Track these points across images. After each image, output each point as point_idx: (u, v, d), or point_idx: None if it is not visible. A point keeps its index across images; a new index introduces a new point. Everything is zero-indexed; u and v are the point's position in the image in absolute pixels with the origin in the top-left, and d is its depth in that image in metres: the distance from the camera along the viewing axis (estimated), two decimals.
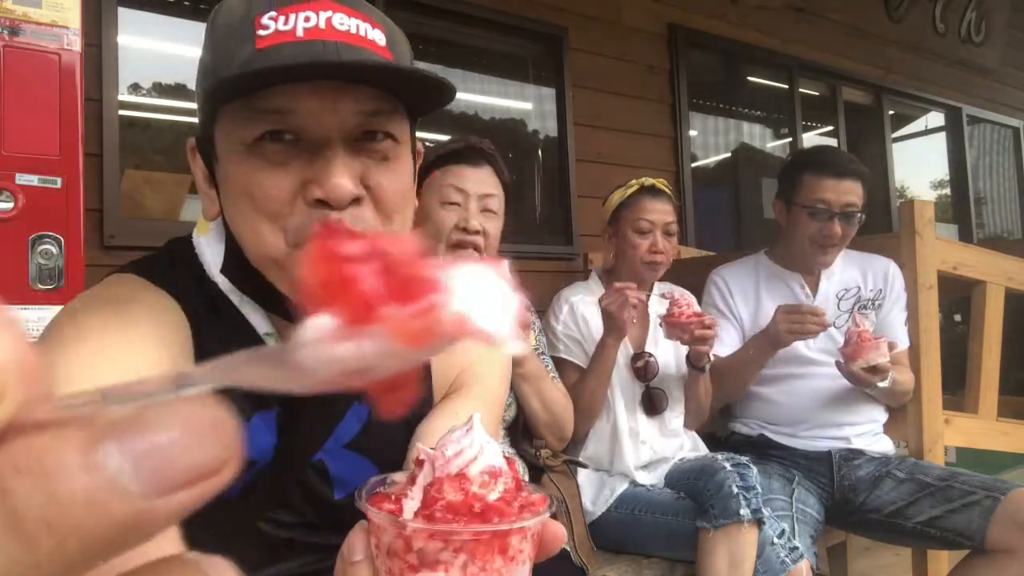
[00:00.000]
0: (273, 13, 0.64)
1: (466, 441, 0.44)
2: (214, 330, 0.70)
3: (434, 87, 0.68)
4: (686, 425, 2.00)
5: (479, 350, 0.83)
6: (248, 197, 0.65)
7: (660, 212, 1.95)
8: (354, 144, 0.67)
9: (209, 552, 0.48)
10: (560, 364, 1.91)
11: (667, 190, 2.02)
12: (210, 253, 0.74)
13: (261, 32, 0.64)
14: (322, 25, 0.64)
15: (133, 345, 0.62)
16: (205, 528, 0.66)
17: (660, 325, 1.86)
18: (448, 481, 0.43)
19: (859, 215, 1.98)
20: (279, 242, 0.65)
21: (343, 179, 0.63)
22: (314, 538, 0.78)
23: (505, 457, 0.45)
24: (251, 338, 0.72)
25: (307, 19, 0.64)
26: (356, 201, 0.66)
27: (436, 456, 0.44)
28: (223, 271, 0.73)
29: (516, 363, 1.49)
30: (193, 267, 0.74)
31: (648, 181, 2.01)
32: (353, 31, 0.65)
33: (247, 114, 0.64)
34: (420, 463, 0.44)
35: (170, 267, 0.75)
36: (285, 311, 0.70)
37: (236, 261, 0.71)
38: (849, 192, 1.96)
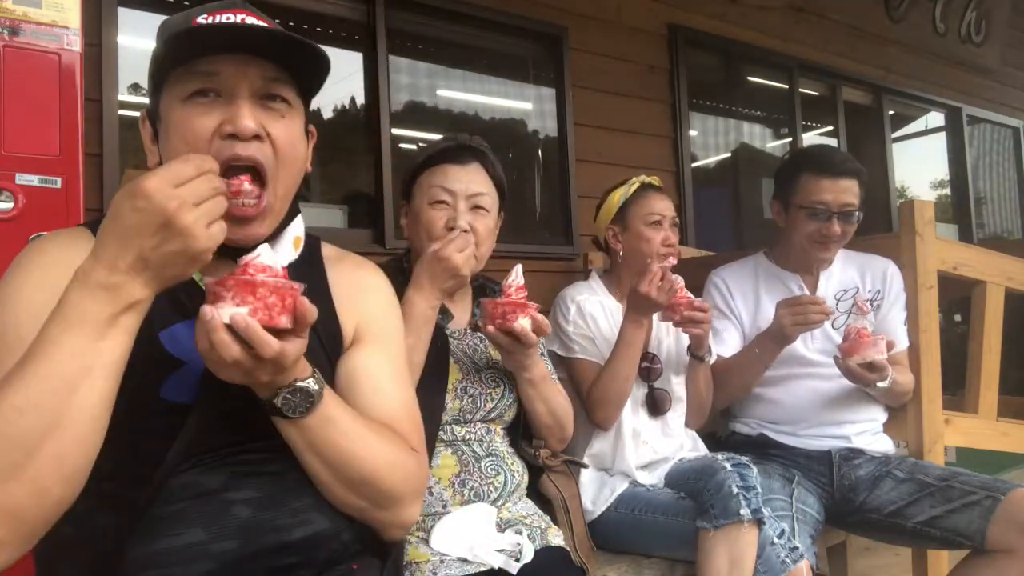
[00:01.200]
0: (205, 15, 0.94)
1: (253, 252, 0.82)
2: None
3: (314, 59, 0.95)
4: (687, 424, 2.00)
5: (373, 306, 1.09)
6: (180, 137, 0.91)
7: (666, 207, 1.99)
8: (259, 101, 0.94)
9: (181, 459, 0.92)
10: (577, 364, 1.90)
11: (661, 188, 2.06)
12: None
13: (195, 27, 0.92)
14: (237, 21, 0.94)
15: (39, 270, 0.91)
16: (173, 436, 0.89)
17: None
18: (239, 269, 0.81)
19: (857, 214, 1.98)
20: None
21: (247, 120, 0.91)
22: (258, 441, 0.93)
23: (286, 271, 0.84)
24: None
25: (228, 18, 0.94)
26: (258, 138, 0.93)
27: (242, 259, 0.82)
28: None
29: (524, 368, 1.49)
30: None
31: (645, 179, 2.03)
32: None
33: (185, 77, 0.91)
34: (240, 265, 0.82)
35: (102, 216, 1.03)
36: None
37: None
38: (847, 191, 1.97)
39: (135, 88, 2.56)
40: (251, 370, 0.80)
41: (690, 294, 1.84)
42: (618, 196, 2.03)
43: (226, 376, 0.82)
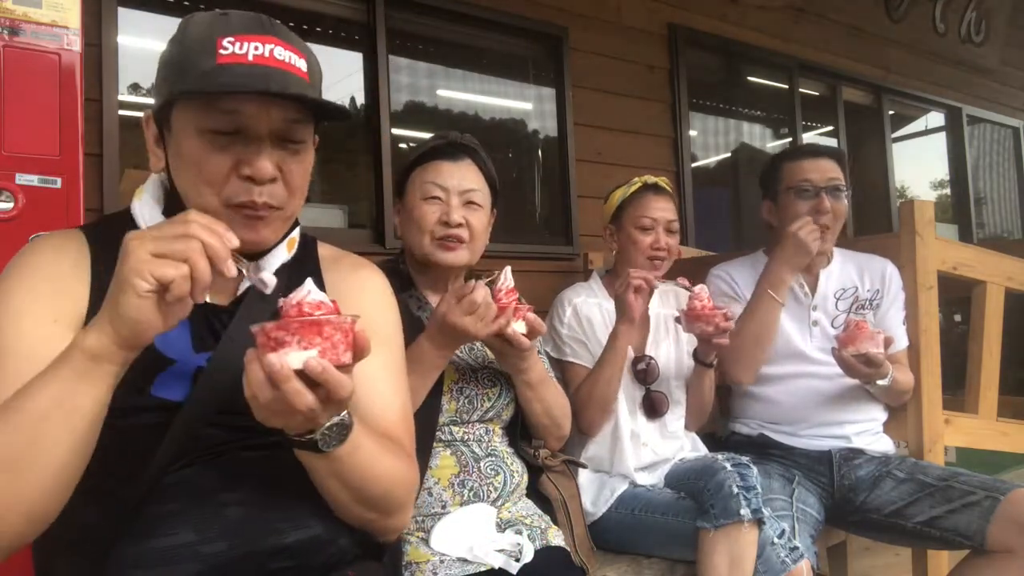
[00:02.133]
0: (231, 38, 0.88)
1: (301, 289, 0.78)
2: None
3: (338, 114, 0.97)
4: (687, 426, 1.99)
5: (371, 306, 1.07)
6: (197, 168, 0.90)
7: (662, 210, 1.95)
8: (277, 141, 0.92)
9: (173, 457, 0.91)
10: (567, 367, 1.90)
11: (669, 188, 2.02)
12: (140, 209, 0.99)
13: (221, 51, 0.88)
14: (266, 54, 0.89)
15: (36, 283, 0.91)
16: (164, 434, 0.88)
17: (677, 320, 1.85)
18: (291, 307, 0.76)
19: (845, 190, 2.02)
20: (215, 202, 0.91)
21: (267, 164, 0.90)
22: (254, 439, 0.92)
23: (333, 300, 0.79)
24: None
25: (256, 48, 0.89)
26: (272, 180, 0.92)
27: (287, 300, 0.77)
28: (165, 213, 0.97)
29: (520, 371, 1.49)
30: (124, 220, 0.99)
31: (651, 179, 2.01)
32: (287, 61, 0.91)
33: (205, 110, 0.88)
34: (280, 307, 0.77)
35: (101, 221, 1.03)
36: None
37: (177, 207, 0.94)
38: (829, 169, 2.02)
39: (135, 88, 2.56)
40: (318, 415, 0.77)
41: (712, 303, 1.80)
42: (618, 196, 2.03)
43: (279, 423, 0.79)
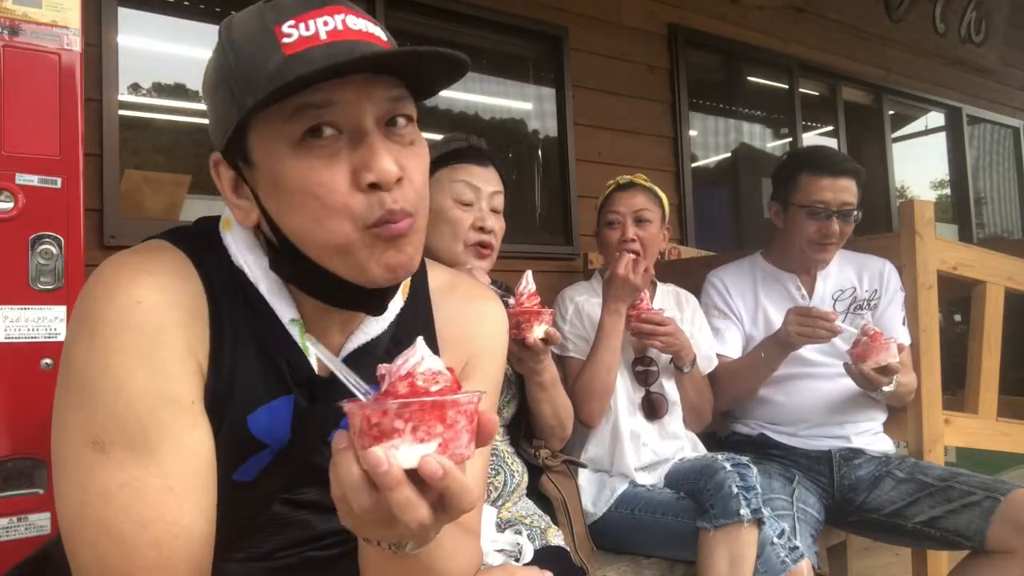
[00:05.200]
0: (292, 22, 0.69)
1: (411, 354, 0.57)
2: (237, 311, 0.77)
3: (442, 69, 0.74)
4: (687, 426, 1.99)
5: (483, 341, 0.92)
6: (310, 195, 0.69)
7: (628, 203, 1.95)
8: (385, 130, 0.72)
9: (229, 536, 0.68)
10: (569, 362, 1.90)
11: (644, 183, 1.99)
12: (235, 246, 0.79)
13: (286, 40, 0.68)
14: (340, 27, 0.70)
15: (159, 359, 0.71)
16: (225, 514, 0.75)
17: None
18: (399, 380, 0.55)
19: (856, 213, 1.99)
20: (347, 229, 0.70)
21: (388, 162, 0.69)
22: (327, 524, 0.82)
23: (450, 368, 0.59)
24: (276, 323, 0.78)
25: (326, 23, 0.69)
26: (398, 181, 0.70)
27: (391, 367, 0.57)
28: (273, 269, 0.77)
29: (536, 373, 1.49)
30: (221, 251, 0.79)
31: (624, 178, 2.01)
32: (365, 30, 0.72)
33: (287, 114, 0.68)
34: (381, 377, 0.57)
35: (205, 248, 0.79)
36: (342, 298, 0.76)
37: (288, 260, 0.75)
38: (845, 191, 1.97)
39: (135, 88, 2.56)
40: (428, 530, 0.58)
41: (650, 306, 1.84)
42: (600, 200, 2.04)
43: (372, 535, 0.61)
